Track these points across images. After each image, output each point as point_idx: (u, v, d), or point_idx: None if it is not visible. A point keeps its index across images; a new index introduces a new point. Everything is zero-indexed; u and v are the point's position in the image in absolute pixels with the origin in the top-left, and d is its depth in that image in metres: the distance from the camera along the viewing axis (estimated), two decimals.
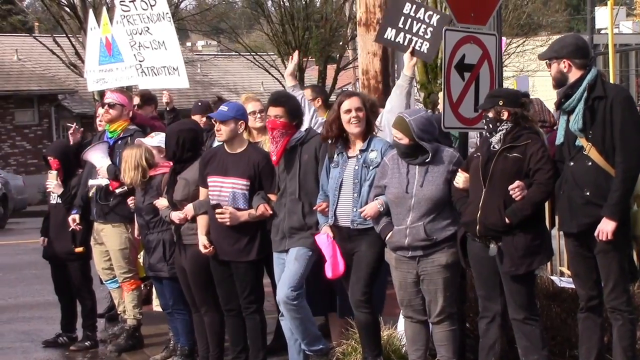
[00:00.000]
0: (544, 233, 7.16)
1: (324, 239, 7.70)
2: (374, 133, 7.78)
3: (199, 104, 11.68)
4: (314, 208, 7.82)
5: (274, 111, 7.98)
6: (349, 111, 7.62)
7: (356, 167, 7.63)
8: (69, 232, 10.08)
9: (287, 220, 7.99)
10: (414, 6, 8.26)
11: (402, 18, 8.25)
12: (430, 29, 8.19)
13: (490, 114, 7.14)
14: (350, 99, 7.68)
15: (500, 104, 7.10)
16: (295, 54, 9.34)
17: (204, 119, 10.23)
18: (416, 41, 8.22)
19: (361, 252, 7.66)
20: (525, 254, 6.98)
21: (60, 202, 10.16)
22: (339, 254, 7.66)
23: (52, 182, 10.17)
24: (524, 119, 7.10)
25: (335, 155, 7.76)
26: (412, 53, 8.21)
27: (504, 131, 7.08)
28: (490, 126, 7.14)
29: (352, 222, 7.62)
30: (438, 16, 8.28)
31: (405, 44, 8.25)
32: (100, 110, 10.44)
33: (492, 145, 7.13)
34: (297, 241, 7.95)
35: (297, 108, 8.08)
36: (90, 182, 9.87)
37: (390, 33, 8.33)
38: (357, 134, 7.64)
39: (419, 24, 8.21)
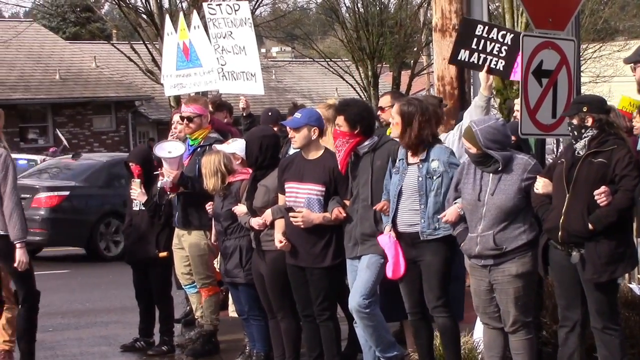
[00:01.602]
0: (629, 241, 7.05)
1: (387, 239, 7.70)
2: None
3: (269, 113, 11.63)
4: (374, 207, 7.81)
5: (337, 120, 8.04)
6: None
7: (420, 178, 7.61)
8: (153, 238, 10.16)
9: (359, 227, 7.99)
10: (487, 27, 8.25)
11: (475, 40, 8.23)
12: (505, 47, 8.18)
13: (575, 121, 7.07)
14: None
15: (585, 110, 7.03)
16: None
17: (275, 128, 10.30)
18: (491, 60, 8.20)
19: (426, 260, 7.65)
20: (609, 261, 6.89)
21: (143, 208, 10.23)
22: (401, 255, 7.65)
23: (137, 191, 10.18)
24: (609, 125, 7.02)
25: (397, 161, 7.75)
26: (488, 72, 8.17)
27: (588, 137, 7.00)
28: (575, 133, 7.07)
29: (422, 234, 7.60)
30: (512, 35, 8.27)
31: (480, 63, 8.22)
32: (176, 118, 10.49)
33: (576, 151, 7.06)
34: (369, 248, 7.93)
35: (358, 115, 7.98)
36: (160, 183, 9.88)
37: (463, 54, 8.32)
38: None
39: (493, 44, 8.20)
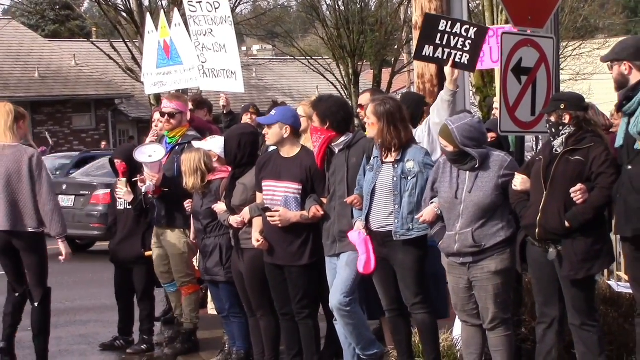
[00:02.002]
0: (605, 237, 7.07)
1: (356, 235, 7.70)
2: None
3: (250, 109, 11.93)
4: (344, 200, 7.81)
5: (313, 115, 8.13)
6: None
7: (395, 178, 7.60)
8: (139, 237, 10.14)
9: (337, 224, 7.98)
10: (450, 22, 8.25)
11: (439, 35, 8.22)
12: (469, 41, 8.17)
13: (553, 118, 7.09)
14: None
15: (562, 107, 7.04)
16: None
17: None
18: (455, 54, 8.19)
19: (398, 260, 7.65)
20: (586, 258, 6.91)
21: (129, 207, 10.20)
22: (371, 250, 7.65)
23: (122, 190, 10.15)
24: (586, 122, 7.04)
25: (372, 158, 7.76)
26: (453, 66, 8.18)
27: (566, 134, 7.02)
28: (553, 130, 7.09)
29: (395, 234, 7.59)
30: (475, 29, 8.27)
31: (445, 57, 8.22)
32: (157, 116, 10.47)
33: (554, 149, 7.08)
34: (348, 245, 7.92)
35: (327, 110, 7.98)
36: (143, 188, 9.88)
37: (428, 50, 8.30)
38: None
39: (457, 38, 8.19)
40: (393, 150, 7.62)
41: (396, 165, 7.62)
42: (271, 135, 8.27)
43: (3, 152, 9.04)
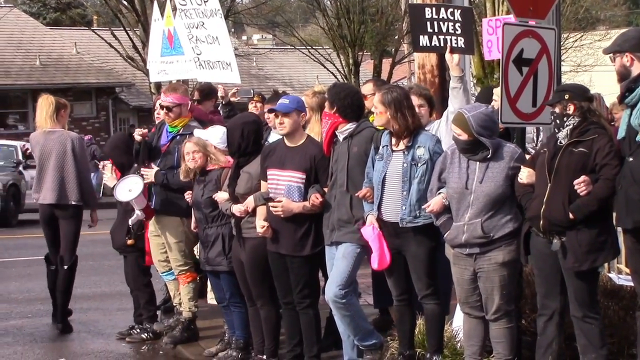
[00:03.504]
0: (610, 229, 7.02)
1: (370, 230, 7.67)
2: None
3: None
4: (356, 194, 7.79)
5: None
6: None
7: (405, 165, 7.59)
8: (126, 225, 10.16)
9: (336, 212, 7.98)
10: (434, 8, 8.23)
11: (428, 23, 8.21)
12: (458, 24, 8.15)
13: (557, 109, 7.07)
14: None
15: (566, 97, 7.02)
16: None
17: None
18: (450, 39, 8.18)
19: (411, 251, 7.64)
20: (590, 250, 6.89)
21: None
22: (385, 245, 7.63)
23: (107, 175, 10.29)
24: (590, 112, 7.01)
25: (380, 147, 7.74)
26: (451, 52, 8.16)
27: (570, 126, 6.99)
28: (558, 121, 7.06)
29: (402, 221, 7.57)
30: (460, 10, 8.25)
31: (442, 45, 8.21)
32: (158, 104, 10.46)
33: (558, 141, 7.05)
34: (345, 235, 7.93)
35: (335, 95, 8.02)
36: (131, 221, 9.93)
37: (423, 40, 8.30)
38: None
39: (446, 23, 8.18)
40: (403, 137, 7.61)
41: (406, 152, 7.60)
42: (289, 123, 8.23)
43: (49, 136, 10.73)
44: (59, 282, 10.81)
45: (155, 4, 13.73)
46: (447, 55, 8.18)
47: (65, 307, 10.89)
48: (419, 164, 7.56)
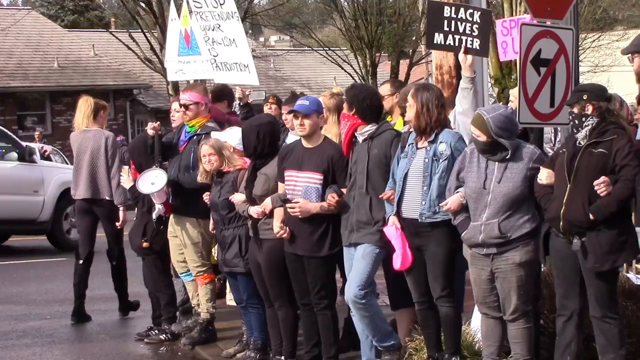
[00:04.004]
0: (630, 229, 7.00)
1: (393, 230, 7.67)
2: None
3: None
4: (380, 196, 7.79)
5: None
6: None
7: (426, 160, 7.59)
8: (141, 227, 10.19)
9: (355, 214, 7.98)
10: (453, 8, 8.23)
11: (446, 21, 8.21)
12: (476, 25, 8.14)
13: (576, 109, 7.05)
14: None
15: (585, 98, 7.00)
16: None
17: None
18: (466, 40, 8.17)
19: (430, 251, 7.62)
20: (610, 250, 6.87)
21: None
22: (407, 245, 7.63)
23: (124, 176, 10.35)
24: (609, 112, 6.99)
25: (407, 145, 7.74)
26: (466, 52, 8.15)
27: (589, 126, 6.97)
28: (576, 122, 7.04)
29: (421, 216, 7.57)
30: (479, 12, 8.24)
31: (456, 44, 8.20)
32: (174, 106, 10.48)
33: (577, 142, 7.03)
34: (364, 236, 7.94)
35: (354, 97, 8.02)
36: (154, 214, 9.96)
37: (438, 38, 8.29)
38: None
39: (464, 23, 8.17)
40: (427, 132, 7.60)
41: (429, 148, 7.60)
42: (309, 125, 8.24)
43: (86, 134, 11.25)
44: (113, 277, 11.58)
45: (172, 5, 13.73)
46: (461, 56, 8.17)
47: (125, 292, 11.63)
48: (441, 160, 7.56)
